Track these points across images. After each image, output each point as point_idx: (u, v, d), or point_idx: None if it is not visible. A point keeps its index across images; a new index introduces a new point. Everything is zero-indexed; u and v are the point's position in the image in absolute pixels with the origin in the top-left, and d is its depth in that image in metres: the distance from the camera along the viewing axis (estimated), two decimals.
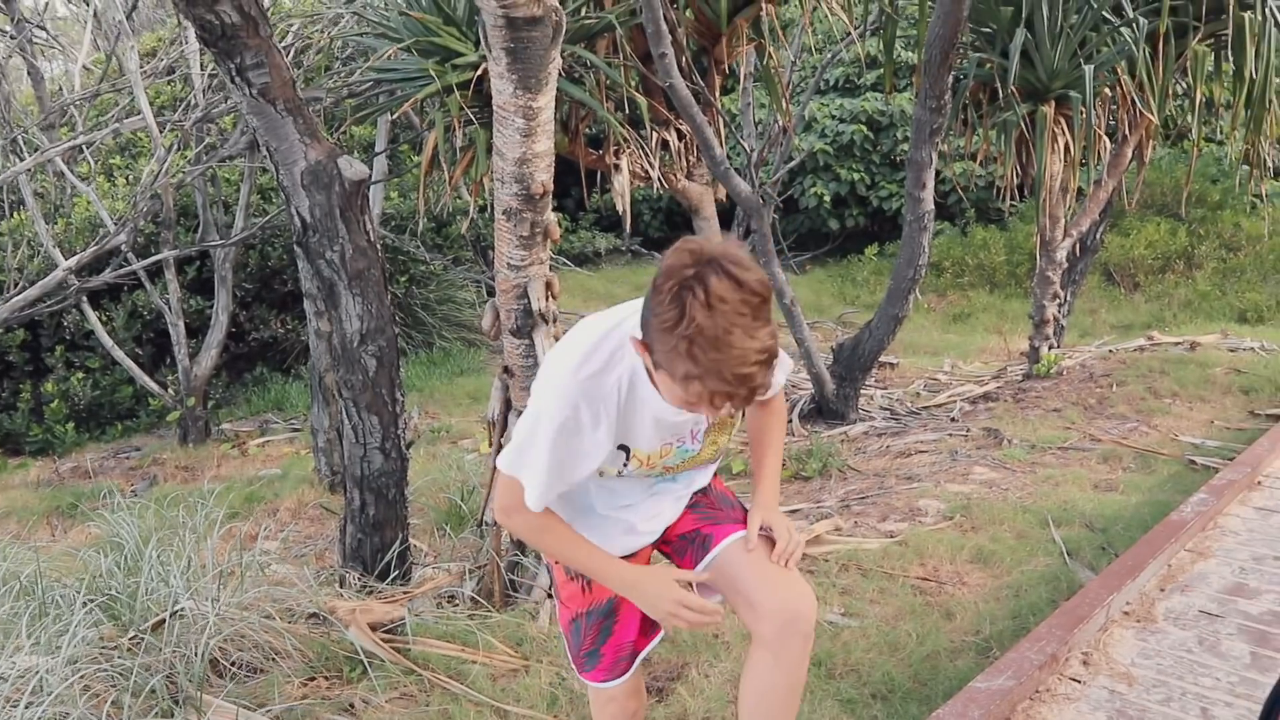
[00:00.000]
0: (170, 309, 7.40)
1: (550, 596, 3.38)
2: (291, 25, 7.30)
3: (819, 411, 6.32)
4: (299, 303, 7.62)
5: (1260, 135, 6.34)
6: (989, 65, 6.05)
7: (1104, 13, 5.94)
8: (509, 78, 2.87)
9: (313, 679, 2.85)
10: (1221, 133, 10.45)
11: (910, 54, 11.16)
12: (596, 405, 1.63)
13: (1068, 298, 7.28)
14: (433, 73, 4.80)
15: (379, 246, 3.47)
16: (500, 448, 3.51)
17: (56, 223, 8.33)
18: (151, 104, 7.68)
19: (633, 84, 5.43)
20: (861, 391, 6.43)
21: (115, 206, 8.10)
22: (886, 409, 6.60)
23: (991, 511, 4.16)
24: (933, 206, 5.67)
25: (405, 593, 3.37)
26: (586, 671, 1.97)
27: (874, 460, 5.34)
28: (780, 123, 7.32)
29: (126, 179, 9.10)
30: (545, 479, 1.68)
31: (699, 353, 1.40)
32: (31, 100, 9.77)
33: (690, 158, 5.91)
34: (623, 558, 1.86)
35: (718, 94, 6.01)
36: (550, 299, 3.30)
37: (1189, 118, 6.60)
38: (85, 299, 7.23)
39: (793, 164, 8.94)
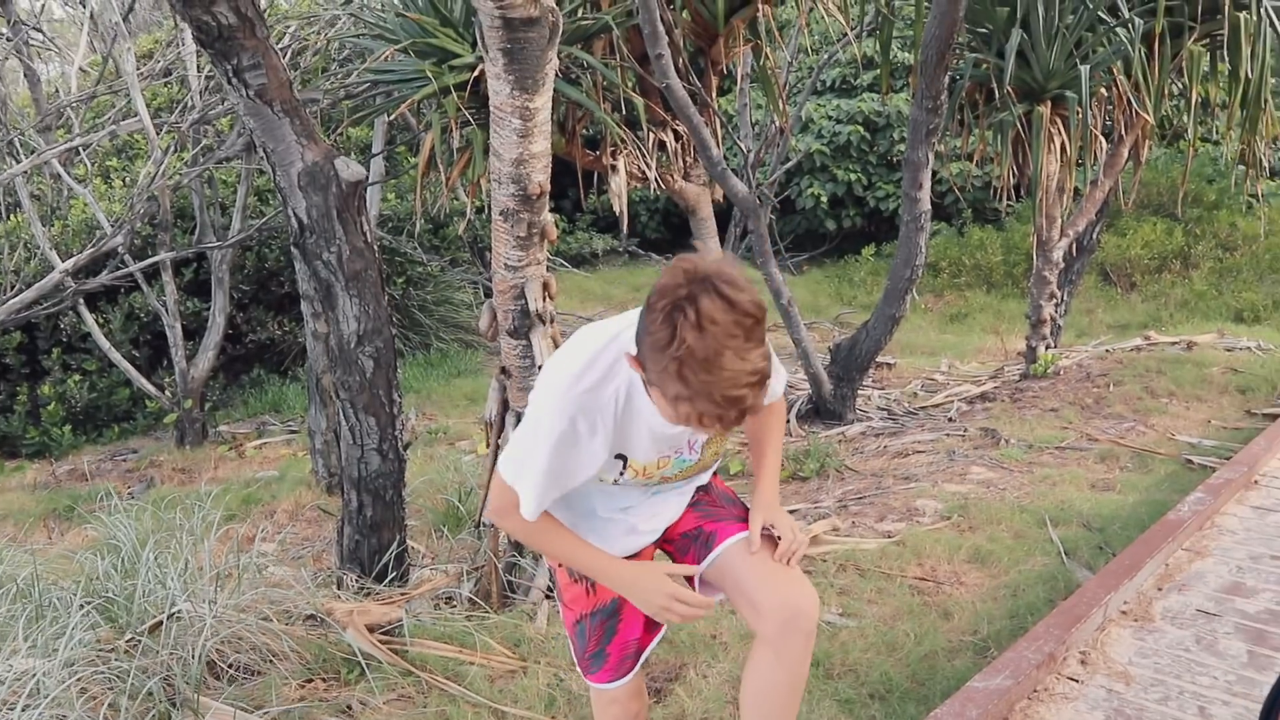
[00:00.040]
0: (167, 311, 7.39)
1: (548, 597, 3.38)
2: (288, 27, 7.30)
3: (816, 412, 6.32)
4: (296, 304, 7.61)
5: (1256, 135, 6.35)
6: (985, 65, 6.06)
7: (1100, 13, 5.95)
8: (506, 78, 2.88)
9: (310, 681, 2.85)
10: (1217, 133, 10.45)
11: (906, 55, 11.15)
12: (594, 416, 1.64)
13: (1064, 298, 7.28)
14: (429, 74, 4.80)
15: (376, 248, 3.47)
16: (498, 449, 3.51)
17: (53, 225, 8.32)
18: (148, 106, 7.69)
19: (629, 85, 5.43)
20: (859, 392, 6.43)
21: (112, 208, 8.09)
22: (884, 409, 6.60)
23: (989, 511, 4.16)
24: (929, 207, 5.67)
25: (403, 594, 3.37)
26: (592, 673, 1.97)
27: (871, 460, 5.34)
28: (777, 123, 7.31)
29: (123, 181, 9.09)
30: (540, 488, 1.70)
31: (689, 374, 1.40)
32: (28, 102, 9.77)
33: (687, 158, 5.91)
34: (625, 557, 1.87)
35: (714, 95, 6.00)
36: (547, 300, 3.30)
37: (1185, 118, 6.60)
38: (82, 301, 7.23)
39: (789, 165, 8.94)
